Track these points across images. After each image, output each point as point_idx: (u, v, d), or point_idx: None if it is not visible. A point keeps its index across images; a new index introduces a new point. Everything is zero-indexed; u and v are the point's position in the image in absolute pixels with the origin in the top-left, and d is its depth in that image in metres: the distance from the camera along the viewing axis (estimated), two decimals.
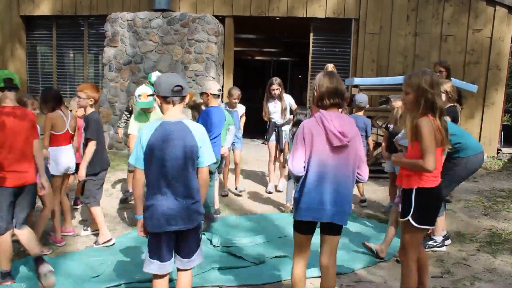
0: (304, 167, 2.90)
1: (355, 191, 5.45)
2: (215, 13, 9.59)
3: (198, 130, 2.87)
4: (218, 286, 3.74)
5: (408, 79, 3.04)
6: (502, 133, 9.50)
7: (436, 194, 3.06)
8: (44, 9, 10.57)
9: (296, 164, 2.90)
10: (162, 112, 2.96)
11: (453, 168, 4.28)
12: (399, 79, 7.54)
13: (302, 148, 2.90)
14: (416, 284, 3.14)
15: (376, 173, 7.30)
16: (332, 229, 2.97)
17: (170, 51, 9.22)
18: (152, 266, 2.86)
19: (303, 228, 2.99)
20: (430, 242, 4.54)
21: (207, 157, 2.91)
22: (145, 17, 9.29)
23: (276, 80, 6.61)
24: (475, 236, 4.97)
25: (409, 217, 3.00)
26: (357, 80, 7.87)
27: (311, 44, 9.81)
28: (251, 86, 14.20)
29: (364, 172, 3.02)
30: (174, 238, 2.87)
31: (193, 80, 9.04)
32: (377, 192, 6.81)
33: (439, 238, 4.57)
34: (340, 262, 3.56)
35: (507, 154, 9.38)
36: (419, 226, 3.01)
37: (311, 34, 9.79)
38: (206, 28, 9.06)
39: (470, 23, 9.12)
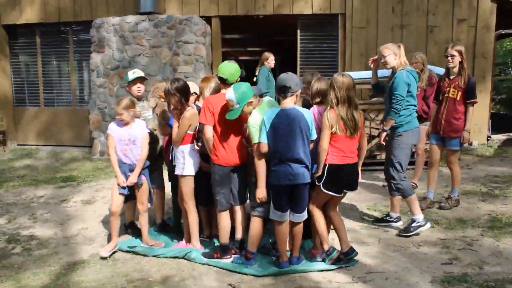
0: None
1: None
2: (202, 14, 9.55)
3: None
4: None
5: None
6: (490, 120, 9.63)
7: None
8: (27, 16, 10.41)
9: None
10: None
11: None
12: (387, 72, 7.51)
13: None
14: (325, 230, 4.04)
15: (371, 165, 7.38)
16: None
17: (158, 54, 9.14)
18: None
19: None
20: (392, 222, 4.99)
21: None
22: (131, 21, 9.20)
23: None
24: (477, 222, 5.02)
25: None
26: None
27: (298, 41, 9.83)
28: None
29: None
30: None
31: None
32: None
33: (394, 214, 5.00)
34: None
35: (497, 141, 9.53)
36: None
37: (298, 31, 9.81)
38: (193, 29, 9.01)
39: (455, 13, 9.24)
